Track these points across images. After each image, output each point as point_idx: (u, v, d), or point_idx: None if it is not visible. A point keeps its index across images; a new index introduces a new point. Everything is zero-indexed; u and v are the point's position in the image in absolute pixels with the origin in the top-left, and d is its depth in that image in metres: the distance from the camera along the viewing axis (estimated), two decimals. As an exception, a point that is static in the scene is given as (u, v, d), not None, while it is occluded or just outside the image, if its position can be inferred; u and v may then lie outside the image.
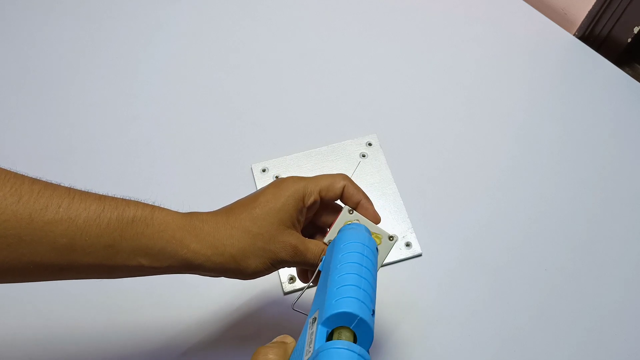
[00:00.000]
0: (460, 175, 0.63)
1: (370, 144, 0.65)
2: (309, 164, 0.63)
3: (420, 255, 0.58)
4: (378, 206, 0.60)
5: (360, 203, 0.43)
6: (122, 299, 0.54)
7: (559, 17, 0.79)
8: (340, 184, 0.42)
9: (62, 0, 0.77)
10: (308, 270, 0.46)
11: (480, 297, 0.56)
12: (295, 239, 0.40)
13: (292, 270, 0.56)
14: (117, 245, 0.36)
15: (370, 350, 0.49)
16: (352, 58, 0.73)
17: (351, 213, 0.42)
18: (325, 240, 0.42)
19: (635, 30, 0.72)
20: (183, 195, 0.61)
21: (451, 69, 0.72)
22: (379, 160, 0.64)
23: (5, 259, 0.33)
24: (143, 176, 0.63)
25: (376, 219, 0.43)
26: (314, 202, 0.42)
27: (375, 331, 0.53)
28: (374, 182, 0.62)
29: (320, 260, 0.41)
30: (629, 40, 0.74)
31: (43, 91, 0.69)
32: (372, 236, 0.42)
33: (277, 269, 0.41)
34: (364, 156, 0.64)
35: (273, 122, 0.67)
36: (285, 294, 0.55)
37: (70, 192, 0.36)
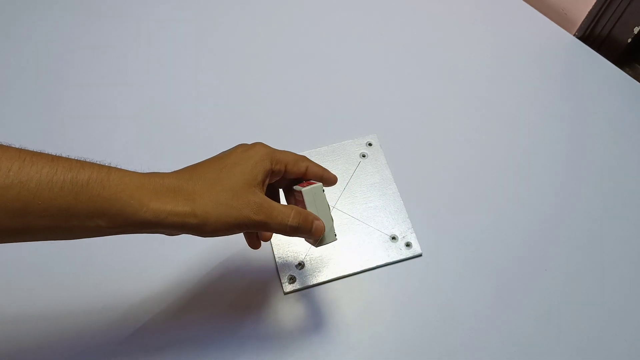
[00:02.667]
0: (460, 175, 0.64)
1: (370, 144, 0.65)
2: (309, 164, 0.63)
3: (420, 255, 0.58)
4: (377, 206, 0.60)
5: (322, 176, 0.46)
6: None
7: (559, 17, 0.79)
8: (304, 164, 0.45)
9: (62, 0, 0.77)
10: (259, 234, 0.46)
11: (480, 297, 0.56)
12: (260, 198, 0.40)
13: (292, 270, 0.56)
14: (72, 208, 0.35)
15: (370, 351, 0.49)
16: (353, 58, 0.73)
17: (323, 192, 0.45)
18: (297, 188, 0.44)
19: (636, 30, 0.72)
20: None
21: (451, 69, 0.72)
22: (379, 160, 0.64)
23: None
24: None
25: (335, 181, 0.47)
26: (279, 171, 0.43)
27: (375, 331, 0.53)
28: (374, 182, 0.62)
29: (294, 221, 0.41)
30: (629, 40, 0.74)
31: (43, 91, 0.69)
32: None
33: (240, 230, 0.40)
34: (364, 156, 0.64)
35: (273, 122, 0.67)
36: (286, 293, 0.55)
37: (21, 154, 0.35)
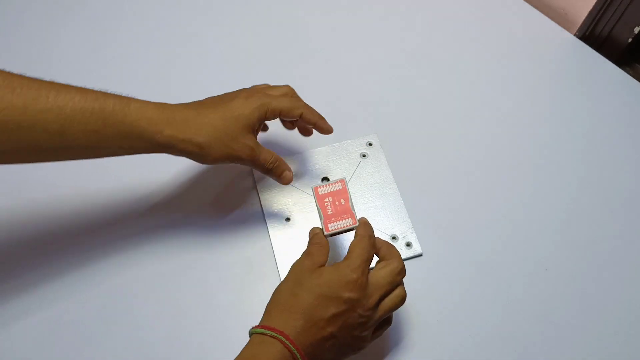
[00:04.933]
0: (461, 175, 0.64)
1: (370, 144, 0.65)
2: (309, 164, 0.63)
3: (420, 255, 0.58)
4: (378, 206, 0.60)
5: (316, 123, 0.54)
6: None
7: (559, 17, 0.79)
8: (298, 111, 0.52)
9: (61, 0, 0.77)
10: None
11: (480, 296, 0.56)
12: (252, 142, 0.50)
13: (293, 270, 0.56)
14: (101, 131, 0.43)
15: (370, 351, 0.49)
16: (353, 58, 0.73)
17: None
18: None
19: (636, 30, 0.72)
20: (184, 196, 0.61)
21: (451, 69, 0.72)
22: (379, 160, 0.64)
23: (7, 142, 0.40)
24: (144, 176, 0.63)
25: (329, 131, 0.55)
26: (273, 117, 0.52)
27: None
28: (374, 182, 0.62)
29: (270, 165, 0.51)
30: (630, 40, 0.74)
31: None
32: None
33: (233, 163, 0.50)
34: (364, 156, 0.64)
35: (273, 122, 0.67)
36: (286, 293, 0.55)
37: (54, 85, 0.42)
